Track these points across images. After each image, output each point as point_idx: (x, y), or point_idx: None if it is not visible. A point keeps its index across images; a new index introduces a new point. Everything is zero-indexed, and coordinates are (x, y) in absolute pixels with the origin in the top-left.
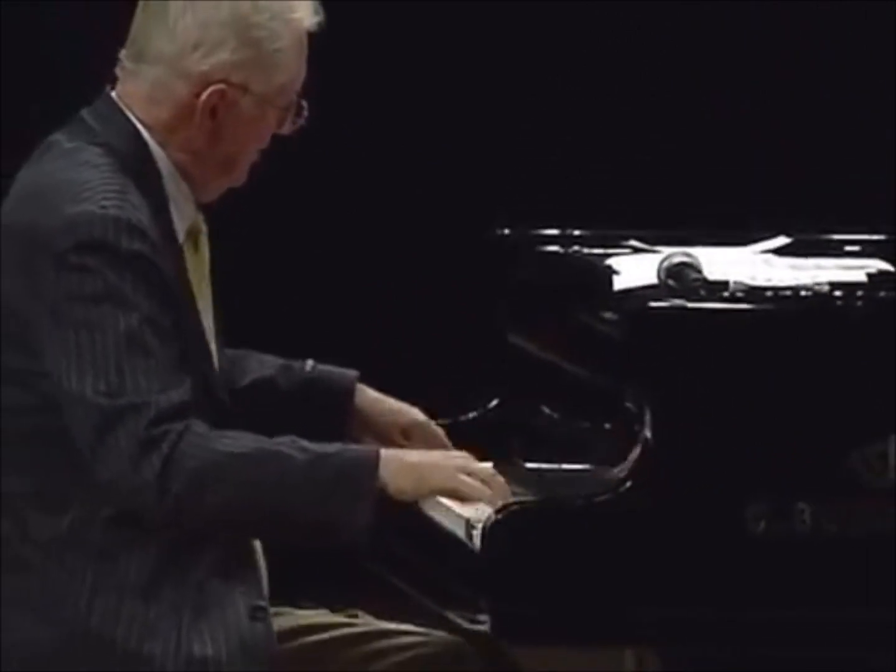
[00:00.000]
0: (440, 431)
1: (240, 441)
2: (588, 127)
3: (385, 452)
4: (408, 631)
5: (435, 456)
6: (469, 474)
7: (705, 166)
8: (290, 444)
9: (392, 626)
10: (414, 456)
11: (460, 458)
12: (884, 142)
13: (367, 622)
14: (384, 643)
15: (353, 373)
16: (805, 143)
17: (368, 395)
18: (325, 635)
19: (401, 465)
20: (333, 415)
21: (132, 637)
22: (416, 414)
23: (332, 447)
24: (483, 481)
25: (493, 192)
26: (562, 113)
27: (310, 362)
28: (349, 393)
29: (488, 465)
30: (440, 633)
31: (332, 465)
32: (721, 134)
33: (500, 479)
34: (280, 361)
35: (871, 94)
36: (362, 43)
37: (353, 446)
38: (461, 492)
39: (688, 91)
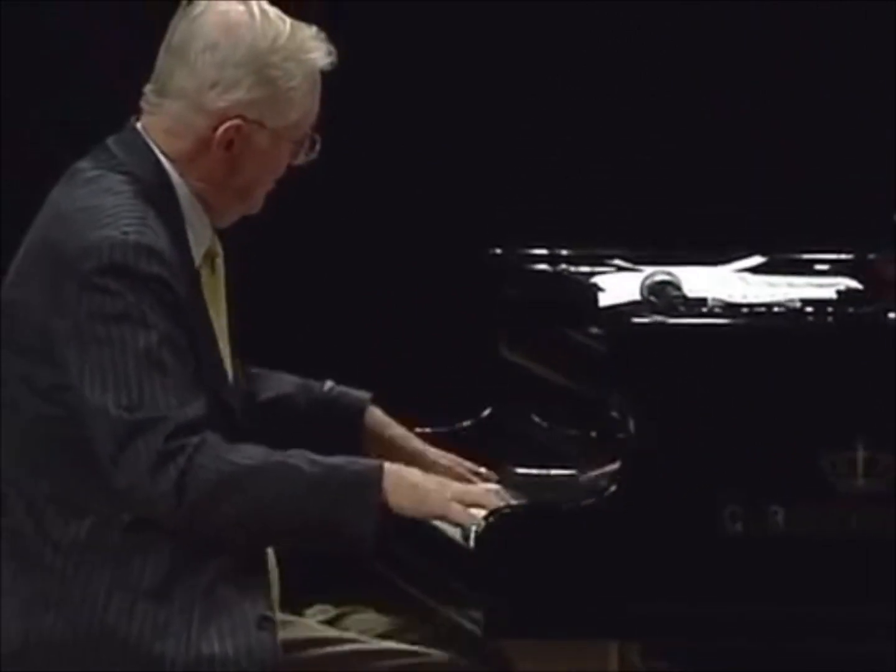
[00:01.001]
0: (442, 457)
1: (252, 454)
2: (576, 155)
3: (388, 467)
4: (401, 651)
5: (434, 481)
6: (464, 501)
7: (686, 190)
8: (299, 457)
9: (387, 645)
10: (415, 476)
11: (457, 486)
12: (870, 156)
13: (363, 640)
14: (384, 663)
15: (366, 395)
16: (783, 165)
17: (378, 419)
18: (322, 651)
19: (402, 482)
20: (347, 432)
21: (145, 635)
22: (416, 443)
23: (340, 460)
24: (477, 504)
25: (487, 216)
26: (551, 143)
27: (329, 383)
28: (361, 414)
29: (484, 488)
30: (436, 653)
31: (339, 478)
32: (702, 160)
33: (494, 500)
34: (300, 380)
35: (870, 97)
36: (362, 77)
37: (360, 459)
38: (451, 520)
39: (671, 119)
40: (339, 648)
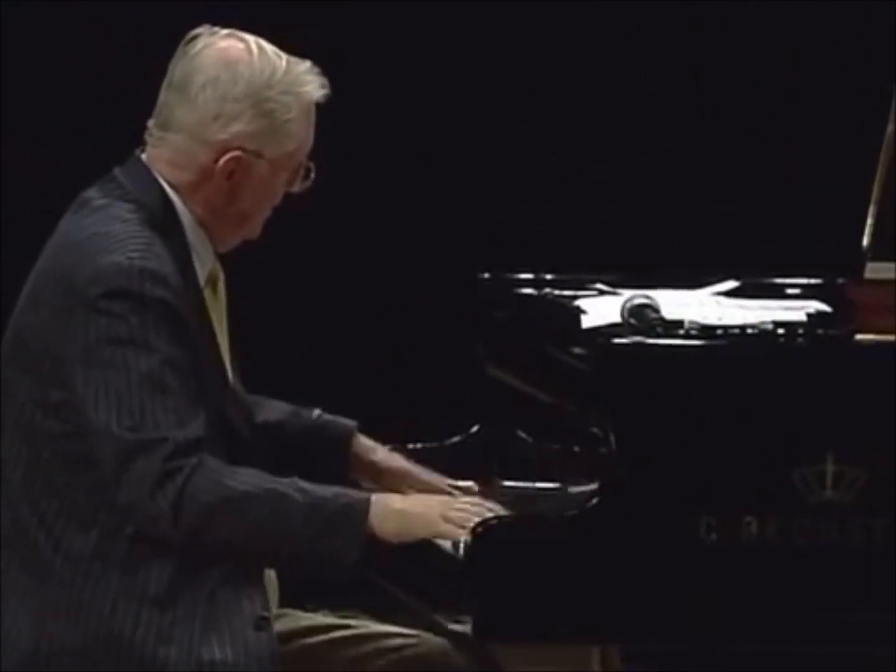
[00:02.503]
0: (425, 474)
1: (248, 479)
2: (560, 187)
3: (375, 498)
4: (400, 633)
5: (419, 503)
6: (449, 518)
7: (665, 219)
8: (292, 486)
9: (386, 628)
10: (400, 503)
11: (441, 503)
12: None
13: (362, 624)
14: (379, 644)
15: (352, 423)
16: (759, 196)
17: (364, 444)
18: (325, 637)
19: (388, 510)
20: (334, 459)
21: (149, 641)
22: (401, 462)
23: (330, 491)
24: (462, 525)
25: (476, 243)
26: (537, 176)
27: (316, 411)
28: (348, 441)
29: (468, 503)
30: (429, 636)
31: (328, 509)
32: (679, 192)
33: (477, 517)
34: (290, 407)
35: (843, 124)
36: (354, 102)
37: (348, 491)
38: (440, 536)
39: (651, 152)
40: (336, 634)
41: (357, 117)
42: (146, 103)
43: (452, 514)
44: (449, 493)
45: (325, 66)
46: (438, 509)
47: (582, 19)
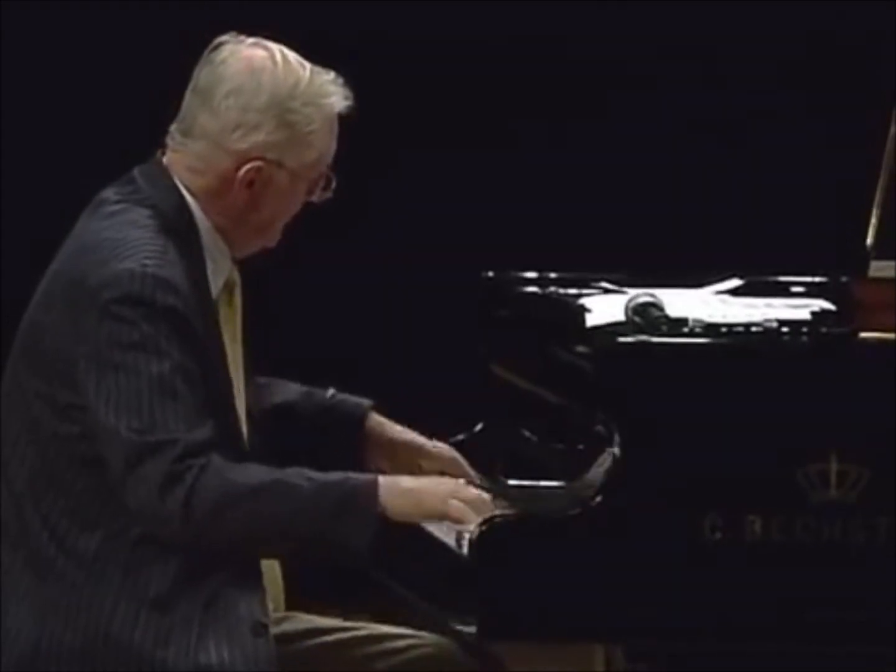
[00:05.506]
0: (439, 449)
1: (254, 473)
2: (565, 184)
3: (383, 479)
4: (405, 634)
5: (428, 482)
6: (458, 499)
7: (668, 217)
8: (298, 475)
9: (391, 629)
10: (410, 482)
11: (451, 483)
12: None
13: (368, 626)
14: (384, 645)
15: (366, 402)
16: (761, 195)
17: (378, 422)
18: (330, 638)
19: (397, 490)
20: (349, 437)
21: (147, 643)
22: (414, 436)
23: (336, 476)
24: (470, 505)
25: (480, 242)
26: (541, 173)
27: (330, 390)
28: (362, 419)
29: (475, 490)
30: (434, 636)
31: (336, 494)
32: (686, 192)
33: (487, 501)
34: (303, 388)
35: (845, 124)
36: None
37: (355, 474)
38: (450, 516)
39: (653, 153)
40: (343, 635)
41: (360, 117)
42: (154, 105)
43: (463, 493)
44: (460, 466)
45: (327, 65)
46: (448, 488)
47: (584, 19)
